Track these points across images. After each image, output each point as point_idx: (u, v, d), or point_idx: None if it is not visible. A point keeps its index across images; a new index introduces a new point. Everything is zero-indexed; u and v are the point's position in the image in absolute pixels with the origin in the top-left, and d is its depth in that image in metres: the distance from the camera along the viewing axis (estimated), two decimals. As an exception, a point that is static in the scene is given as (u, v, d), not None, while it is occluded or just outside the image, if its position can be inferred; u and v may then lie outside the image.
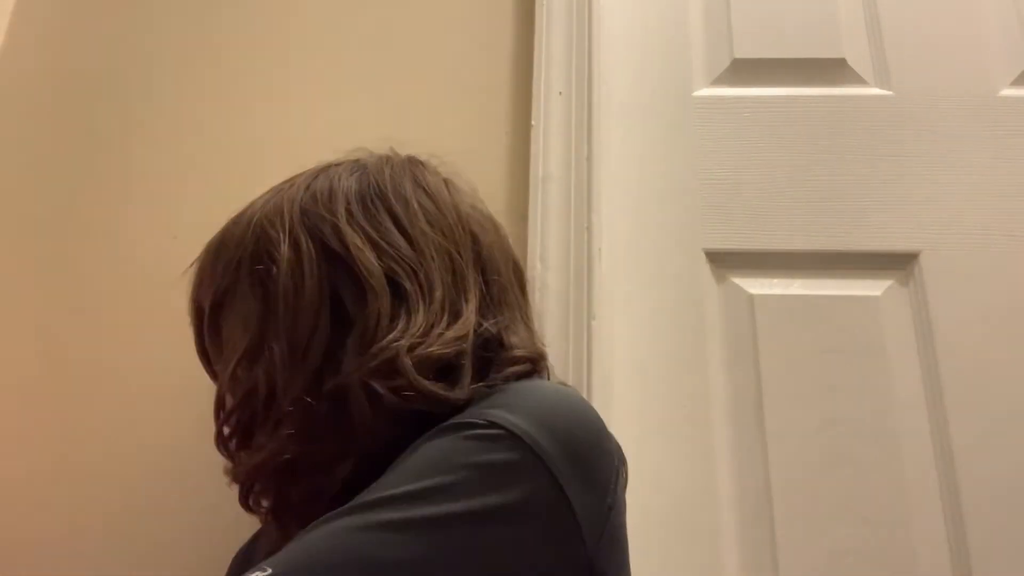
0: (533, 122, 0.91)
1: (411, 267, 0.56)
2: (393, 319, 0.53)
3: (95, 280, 0.91)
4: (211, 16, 1.02)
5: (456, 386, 0.52)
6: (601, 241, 0.86)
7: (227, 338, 0.59)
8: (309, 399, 0.52)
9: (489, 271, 0.60)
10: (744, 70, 1.00)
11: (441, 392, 0.51)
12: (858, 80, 0.98)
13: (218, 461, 0.83)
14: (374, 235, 0.56)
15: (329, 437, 0.52)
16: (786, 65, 0.99)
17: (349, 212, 0.57)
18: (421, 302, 0.54)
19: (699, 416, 0.86)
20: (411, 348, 0.51)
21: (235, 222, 0.61)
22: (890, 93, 0.97)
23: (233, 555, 0.73)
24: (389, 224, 0.57)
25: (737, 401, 0.87)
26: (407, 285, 0.55)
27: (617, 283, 0.89)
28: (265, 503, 0.55)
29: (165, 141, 0.97)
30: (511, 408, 0.48)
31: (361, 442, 0.51)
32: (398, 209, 0.58)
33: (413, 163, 0.64)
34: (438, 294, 0.55)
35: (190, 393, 0.85)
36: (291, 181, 0.62)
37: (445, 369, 0.52)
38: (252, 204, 0.62)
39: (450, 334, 0.53)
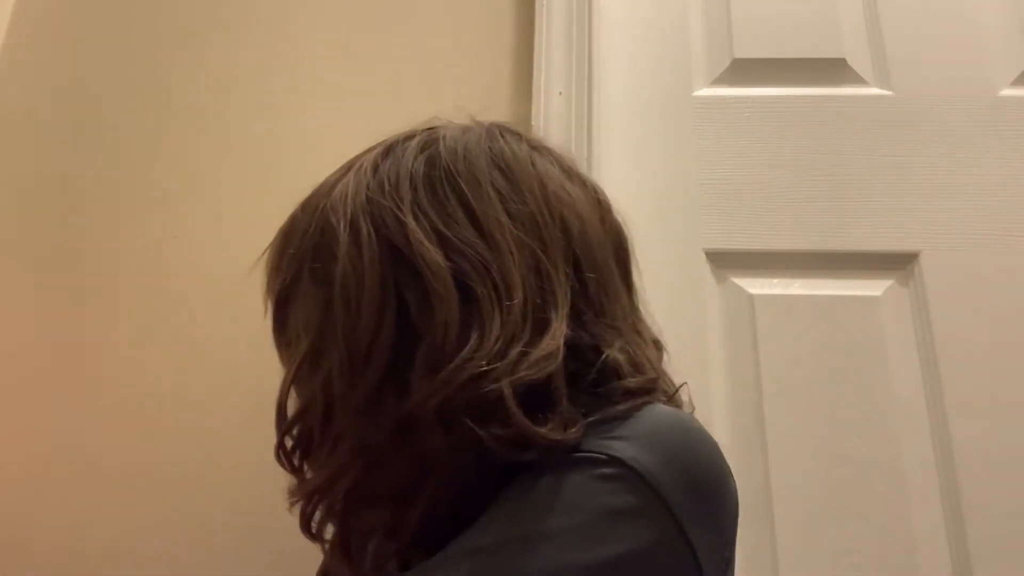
0: (533, 122, 0.91)
1: (483, 265, 0.47)
2: (464, 330, 0.45)
3: (95, 280, 0.91)
4: (211, 16, 1.02)
5: (552, 417, 0.44)
6: (601, 241, 0.86)
7: (292, 338, 0.53)
8: (370, 416, 0.45)
9: (585, 266, 0.51)
10: (744, 70, 0.99)
11: (554, 436, 0.43)
12: (858, 80, 0.98)
13: (219, 464, 0.83)
14: (442, 227, 0.48)
15: (396, 464, 0.45)
16: (786, 65, 0.99)
17: (415, 201, 0.49)
18: (496, 309, 0.46)
19: (699, 416, 0.85)
20: (499, 376, 0.43)
21: (303, 208, 0.54)
22: (890, 93, 0.97)
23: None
24: (460, 213, 0.49)
25: (737, 401, 0.87)
26: (478, 288, 0.46)
27: (617, 283, 0.89)
28: (329, 532, 0.49)
29: (165, 141, 0.96)
30: (634, 442, 0.42)
31: (436, 475, 0.45)
32: (469, 194, 0.49)
33: (492, 135, 0.54)
34: (517, 299, 0.46)
35: (191, 394, 0.85)
36: (364, 156, 0.55)
37: (533, 396, 0.44)
38: (324, 183, 0.55)
39: (537, 353, 0.45)
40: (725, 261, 0.92)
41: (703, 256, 0.92)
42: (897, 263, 0.91)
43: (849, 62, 0.99)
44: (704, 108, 0.98)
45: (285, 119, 0.96)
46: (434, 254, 0.47)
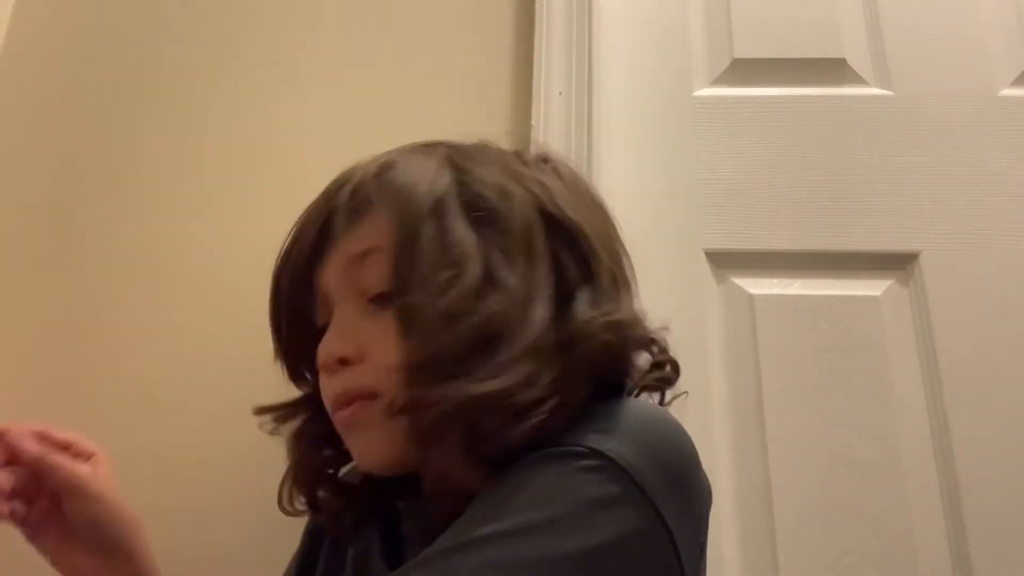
0: (533, 122, 0.91)
1: (607, 241, 0.58)
2: (604, 290, 0.55)
3: (94, 279, 0.91)
4: (211, 16, 1.02)
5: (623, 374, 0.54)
6: (601, 241, 0.87)
7: (430, 270, 0.52)
8: (538, 344, 0.49)
9: (627, 267, 0.62)
10: (744, 70, 1.00)
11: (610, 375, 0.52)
12: (858, 80, 0.98)
13: (223, 461, 0.83)
14: (577, 204, 0.57)
15: (544, 384, 0.48)
16: (786, 65, 0.99)
17: (555, 177, 0.59)
18: (613, 282, 0.56)
19: (699, 416, 0.85)
20: (630, 324, 0.53)
21: (410, 159, 0.58)
22: (890, 93, 0.97)
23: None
24: (581, 199, 0.59)
25: (737, 401, 0.87)
26: (604, 260, 0.56)
27: (617, 283, 0.89)
28: (441, 443, 0.50)
29: (165, 142, 0.97)
30: (613, 435, 0.46)
31: (561, 396, 0.49)
32: (582, 188, 0.60)
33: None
34: (619, 275, 0.58)
35: (191, 392, 0.86)
36: (446, 145, 0.60)
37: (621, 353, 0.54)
38: (409, 151, 0.59)
39: (634, 314, 0.55)
40: (725, 261, 0.92)
41: (703, 256, 0.92)
42: (897, 263, 0.91)
43: (849, 62, 0.99)
44: (704, 108, 0.98)
45: (285, 119, 0.96)
46: (579, 220, 0.55)
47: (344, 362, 0.54)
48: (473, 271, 0.51)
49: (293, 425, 0.62)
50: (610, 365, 0.52)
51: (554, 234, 0.55)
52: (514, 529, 0.42)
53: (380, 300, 0.54)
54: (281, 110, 0.97)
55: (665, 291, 0.91)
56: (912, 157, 0.94)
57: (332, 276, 0.56)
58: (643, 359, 0.56)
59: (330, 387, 0.55)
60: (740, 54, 1.00)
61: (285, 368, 0.61)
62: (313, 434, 0.61)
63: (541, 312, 0.51)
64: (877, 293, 0.90)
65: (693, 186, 0.95)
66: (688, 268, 0.92)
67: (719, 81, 1.00)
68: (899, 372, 0.86)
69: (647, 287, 0.92)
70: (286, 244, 0.59)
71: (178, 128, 0.97)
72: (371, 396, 0.53)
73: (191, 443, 0.84)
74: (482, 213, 0.54)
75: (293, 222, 0.61)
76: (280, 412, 0.62)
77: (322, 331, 0.57)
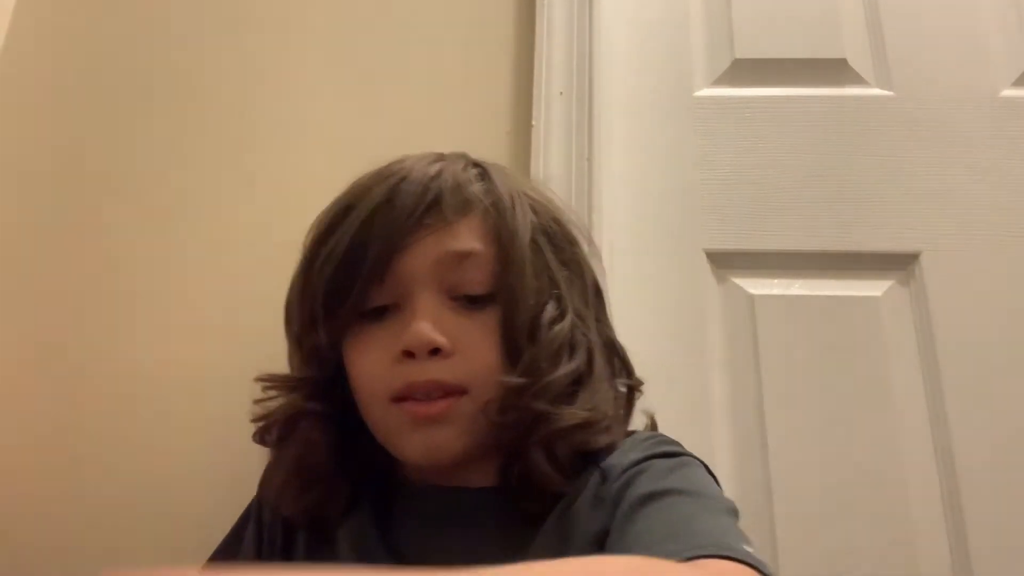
0: (533, 122, 0.91)
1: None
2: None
3: (92, 281, 0.91)
4: (211, 17, 1.02)
5: None
6: (601, 241, 0.86)
7: (535, 296, 0.58)
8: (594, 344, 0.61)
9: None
10: (745, 70, 0.99)
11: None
12: (859, 80, 0.98)
13: (223, 460, 0.83)
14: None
15: (609, 412, 0.60)
16: (787, 65, 0.99)
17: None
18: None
19: (699, 416, 0.86)
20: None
21: (499, 173, 0.63)
22: (891, 93, 0.97)
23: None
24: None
25: (737, 401, 0.87)
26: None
27: (617, 283, 0.89)
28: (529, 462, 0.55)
29: (164, 142, 0.97)
30: (673, 443, 0.62)
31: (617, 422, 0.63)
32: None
33: None
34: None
35: (191, 391, 0.86)
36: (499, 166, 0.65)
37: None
38: (479, 162, 0.64)
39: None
40: (725, 261, 0.92)
41: (703, 256, 0.92)
42: (897, 263, 0.91)
43: (850, 62, 0.99)
44: (705, 108, 0.98)
45: (284, 118, 0.96)
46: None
47: (435, 352, 0.55)
48: (570, 309, 0.59)
49: (286, 403, 0.61)
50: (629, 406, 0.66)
51: (596, 296, 0.65)
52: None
53: (470, 301, 0.57)
54: (282, 110, 0.97)
55: (665, 291, 0.91)
56: (913, 157, 0.94)
57: (419, 263, 0.57)
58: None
59: (411, 373, 0.55)
60: (741, 54, 1.00)
61: (317, 339, 0.59)
62: (320, 412, 0.60)
63: (601, 360, 0.61)
64: (877, 293, 0.90)
65: (693, 186, 0.95)
66: (688, 268, 0.92)
67: (720, 81, 1.00)
68: (899, 372, 0.86)
69: (647, 287, 0.93)
70: (361, 215, 0.58)
71: (178, 128, 0.97)
72: (461, 392, 0.55)
73: (193, 444, 0.84)
74: (565, 256, 0.62)
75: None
76: (288, 383, 0.61)
77: (372, 312, 0.57)
